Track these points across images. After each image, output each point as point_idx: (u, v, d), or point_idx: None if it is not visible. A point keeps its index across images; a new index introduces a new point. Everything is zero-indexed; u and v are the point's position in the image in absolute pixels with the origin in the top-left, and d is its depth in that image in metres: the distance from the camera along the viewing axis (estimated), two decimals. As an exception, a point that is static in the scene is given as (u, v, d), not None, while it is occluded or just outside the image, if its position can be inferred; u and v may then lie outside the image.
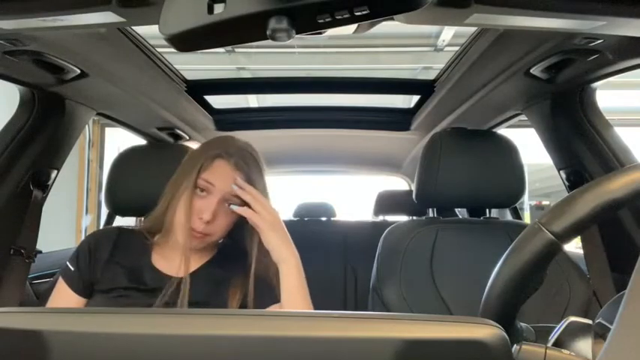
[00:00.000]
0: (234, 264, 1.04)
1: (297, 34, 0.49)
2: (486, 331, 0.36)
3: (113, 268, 1.01)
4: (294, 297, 0.95)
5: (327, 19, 0.48)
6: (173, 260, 1.02)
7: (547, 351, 0.48)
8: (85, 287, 1.00)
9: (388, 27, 0.99)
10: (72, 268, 1.01)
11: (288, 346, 0.37)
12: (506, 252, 0.52)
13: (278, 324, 0.38)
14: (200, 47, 0.55)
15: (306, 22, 0.49)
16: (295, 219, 2.64)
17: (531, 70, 1.21)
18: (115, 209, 1.42)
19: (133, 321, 0.41)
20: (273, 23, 0.48)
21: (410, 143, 2.23)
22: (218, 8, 0.49)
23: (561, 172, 1.41)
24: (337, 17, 0.47)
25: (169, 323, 0.41)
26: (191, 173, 0.99)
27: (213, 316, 0.43)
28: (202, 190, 0.98)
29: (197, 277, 1.01)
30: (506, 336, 0.37)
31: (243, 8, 0.48)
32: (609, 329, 0.48)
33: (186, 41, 0.53)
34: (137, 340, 0.39)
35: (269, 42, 0.51)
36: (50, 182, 1.38)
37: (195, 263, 1.04)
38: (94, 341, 0.39)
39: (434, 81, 1.64)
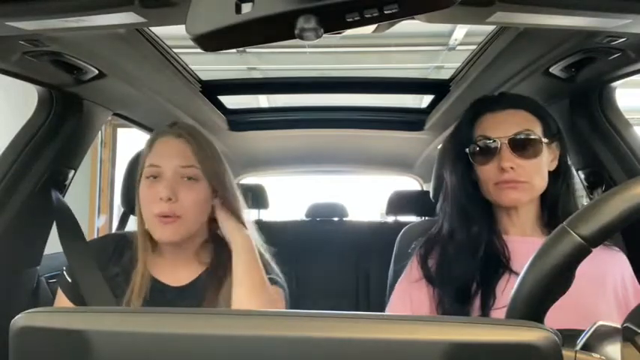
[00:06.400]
0: (229, 269, 1.00)
1: (325, 33, 0.49)
2: (538, 335, 0.36)
3: (108, 276, 1.01)
4: (239, 282, 0.92)
5: (356, 18, 0.47)
6: (169, 269, 1.02)
7: (577, 355, 0.47)
8: (81, 296, 0.99)
9: (400, 26, 0.98)
10: (69, 280, 1.02)
11: (329, 347, 0.37)
12: (533, 255, 0.51)
13: (317, 325, 0.38)
14: (226, 47, 0.54)
15: (335, 20, 0.48)
16: (307, 219, 2.63)
17: (550, 69, 1.19)
18: (132, 208, 1.42)
19: (164, 321, 0.41)
20: (301, 22, 0.47)
21: (423, 143, 2.21)
22: (246, 8, 0.49)
23: (580, 172, 1.39)
24: (366, 16, 0.47)
25: (197, 323, 0.41)
26: (140, 169, 1.00)
27: (237, 317, 0.42)
28: (154, 176, 0.97)
29: (193, 287, 1.00)
30: (558, 340, 0.36)
31: (272, 8, 0.48)
32: (637, 333, 0.47)
33: (213, 41, 0.52)
34: (170, 339, 0.39)
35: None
36: (68, 182, 1.39)
37: (193, 272, 1.02)
38: (132, 341, 0.39)
39: (449, 80, 1.63)
